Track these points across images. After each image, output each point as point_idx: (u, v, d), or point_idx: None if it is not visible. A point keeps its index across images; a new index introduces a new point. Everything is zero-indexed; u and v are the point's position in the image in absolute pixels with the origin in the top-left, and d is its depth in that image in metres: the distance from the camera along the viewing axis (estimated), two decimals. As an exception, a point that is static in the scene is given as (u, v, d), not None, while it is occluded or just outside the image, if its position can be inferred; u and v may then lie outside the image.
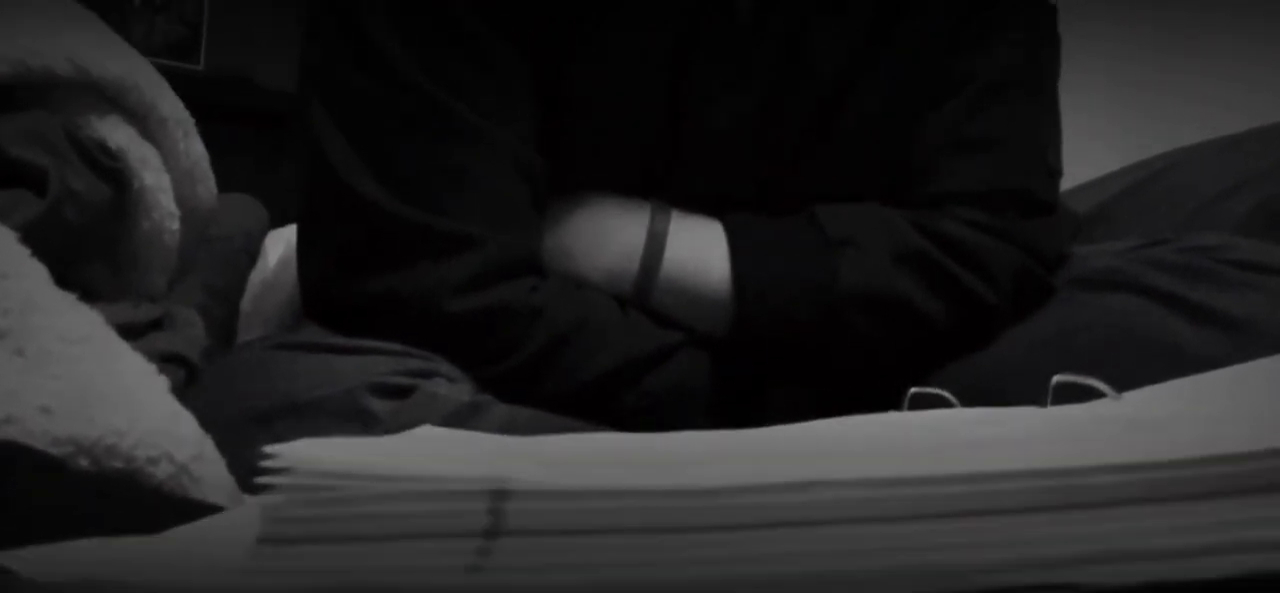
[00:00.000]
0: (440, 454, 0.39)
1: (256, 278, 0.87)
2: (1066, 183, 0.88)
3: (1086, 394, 0.49)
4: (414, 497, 0.34)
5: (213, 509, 0.46)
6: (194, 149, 0.80)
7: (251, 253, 0.86)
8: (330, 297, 0.73)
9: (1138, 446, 0.35)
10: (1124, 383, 0.52)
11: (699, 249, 0.77)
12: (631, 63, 0.77)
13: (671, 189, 0.79)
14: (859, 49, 0.80)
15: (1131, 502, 0.33)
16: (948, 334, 0.78)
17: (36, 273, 0.56)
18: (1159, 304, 0.73)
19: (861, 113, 0.80)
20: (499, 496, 0.33)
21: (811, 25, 0.78)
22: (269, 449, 0.36)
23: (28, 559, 0.34)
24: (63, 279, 0.58)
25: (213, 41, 2.70)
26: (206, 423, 0.52)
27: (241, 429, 0.58)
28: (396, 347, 0.68)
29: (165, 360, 0.61)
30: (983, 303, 0.78)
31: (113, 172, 0.73)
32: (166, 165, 0.78)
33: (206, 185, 0.81)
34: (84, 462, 0.45)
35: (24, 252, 0.57)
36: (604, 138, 0.79)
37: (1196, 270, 0.73)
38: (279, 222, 0.95)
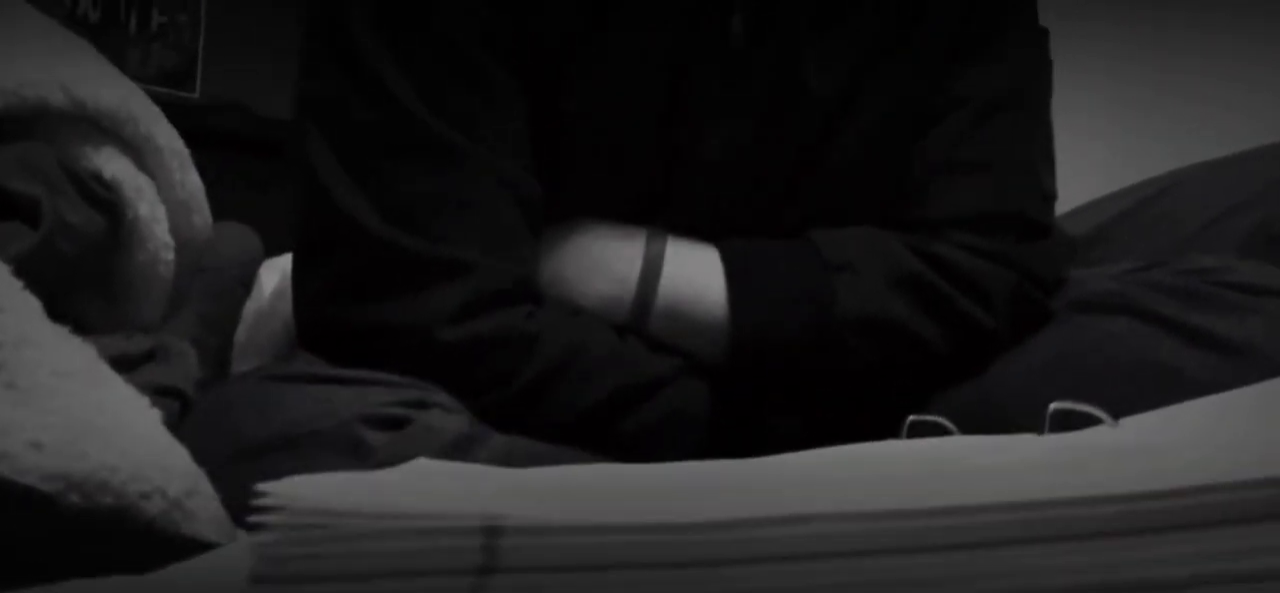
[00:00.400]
0: (434, 489, 0.39)
1: (251, 308, 0.86)
2: (1063, 205, 0.88)
3: (1084, 421, 0.49)
4: (407, 534, 0.34)
5: (206, 545, 0.45)
6: (189, 179, 0.80)
7: (246, 283, 0.86)
8: (325, 326, 0.73)
9: (1135, 475, 0.35)
10: (1122, 407, 0.52)
11: (695, 275, 0.77)
12: (626, 88, 0.77)
13: (667, 215, 0.79)
14: (853, 74, 0.80)
15: (1129, 532, 0.33)
16: (945, 359, 0.77)
17: (29, 306, 0.56)
18: (1158, 328, 0.72)
19: (856, 137, 0.80)
20: (493, 532, 0.33)
21: (805, 51, 0.78)
22: (261, 487, 0.36)
23: (16, 601, 0.34)
24: (56, 311, 0.58)
25: (209, 69, 2.70)
26: (200, 457, 0.52)
27: (235, 463, 0.58)
28: (392, 377, 0.68)
29: (159, 393, 0.61)
30: (980, 327, 0.78)
31: (107, 203, 0.73)
32: (161, 196, 0.78)
33: (201, 215, 0.81)
34: (75, 498, 0.44)
35: (17, 285, 0.57)
36: (599, 164, 0.79)
37: (1195, 294, 0.73)
38: (274, 250, 0.94)
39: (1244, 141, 0.98)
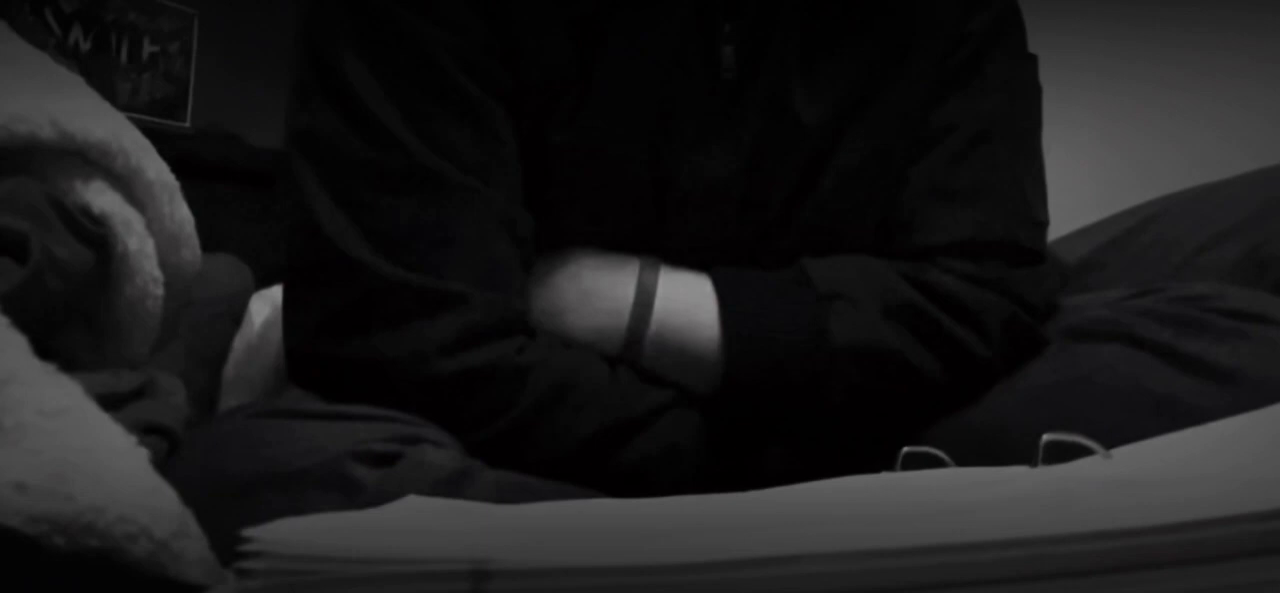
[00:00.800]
0: (422, 530, 0.39)
1: (240, 342, 0.86)
2: (1053, 231, 0.88)
3: (1077, 451, 0.48)
4: (395, 579, 0.33)
5: (193, 587, 0.45)
6: (179, 212, 0.80)
7: (235, 316, 0.86)
8: (315, 360, 0.73)
9: (1127, 510, 0.35)
10: (1116, 435, 0.52)
11: (688, 305, 0.77)
12: (617, 120, 0.77)
13: (659, 244, 0.79)
14: (843, 104, 0.80)
15: (1122, 569, 0.33)
16: (939, 386, 0.77)
17: (16, 344, 0.55)
18: (1151, 355, 0.72)
19: (847, 167, 0.80)
20: (480, 576, 0.33)
21: (796, 82, 0.79)
22: (248, 532, 0.36)
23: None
24: (43, 347, 0.57)
25: (200, 99, 2.70)
26: (188, 496, 0.51)
27: (223, 502, 0.58)
28: (382, 412, 0.68)
29: (146, 432, 0.60)
30: (973, 354, 0.77)
31: (96, 237, 0.72)
32: (151, 229, 0.77)
33: (191, 249, 0.80)
34: (60, 540, 0.44)
35: (4, 322, 0.57)
36: (591, 195, 0.78)
37: (1187, 320, 0.73)
38: (264, 280, 0.94)
39: (1233, 167, 0.99)
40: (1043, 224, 0.84)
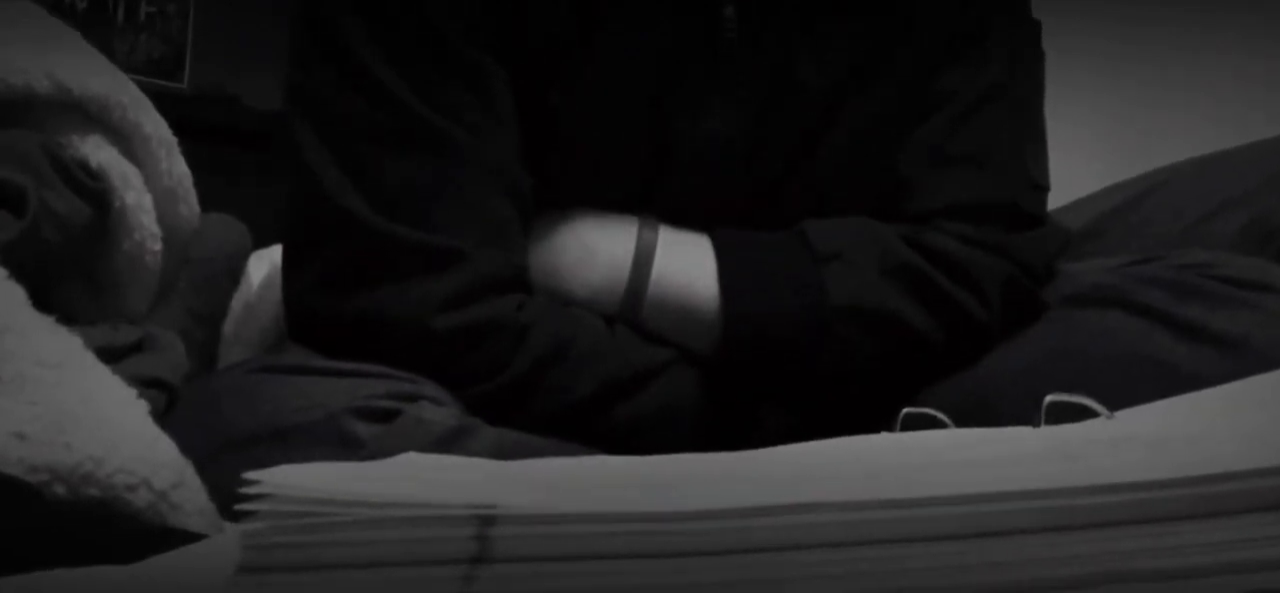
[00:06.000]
0: (425, 479, 0.39)
1: (239, 299, 0.86)
2: (1055, 199, 0.88)
3: (1079, 414, 0.48)
4: (398, 523, 0.33)
5: (192, 537, 0.45)
6: (176, 168, 0.80)
7: (234, 274, 0.86)
8: (315, 317, 0.73)
9: (1130, 465, 0.34)
10: (1116, 401, 0.52)
11: (687, 264, 0.77)
12: (618, 79, 0.77)
13: (659, 206, 0.79)
14: (846, 66, 0.79)
15: (1125, 523, 0.33)
16: (937, 348, 0.77)
17: (14, 295, 0.55)
18: (1151, 322, 0.72)
19: (849, 130, 0.80)
20: (485, 522, 0.33)
21: (798, 43, 0.78)
22: (249, 475, 0.35)
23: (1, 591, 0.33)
24: (41, 301, 0.57)
25: (197, 60, 2.69)
26: (187, 449, 0.51)
27: (222, 455, 0.58)
28: (382, 369, 0.68)
29: (145, 385, 0.60)
30: (972, 316, 0.77)
31: (94, 191, 0.72)
32: (149, 185, 0.77)
33: (189, 205, 0.80)
34: (60, 489, 0.44)
35: (1, 273, 0.57)
36: (591, 154, 0.78)
37: (1188, 288, 0.73)
38: (263, 242, 0.94)
39: (1236, 137, 0.98)
40: (1044, 188, 0.83)
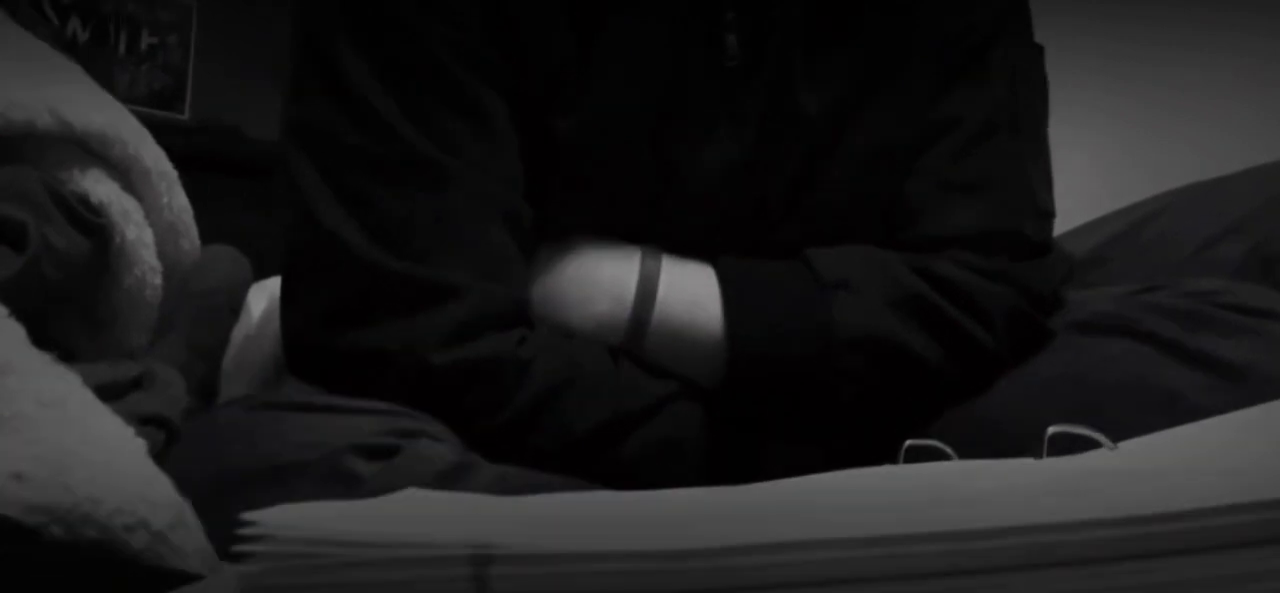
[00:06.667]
0: (423, 517, 0.38)
1: (239, 333, 0.85)
2: (1063, 225, 0.88)
3: (1083, 444, 0.48)
4: (395, 563, 0.33)
5: (190, 578, 0.45)
6: (176, 202, 0.80)
7: (234, 307, 0.85)
8: (314, 352, 0.72)
9: (1133, 498, 0.34)
10: (1122, 429, 0.51)
11: (691, 295, 0.77)
12: (619, 108, 0.76)
13: (661, 232, 0.79)
14: (848, 94, 0.79)
15: (1128, 557, 0.32)
16: (944, 378, 0.77)
17: (14, 333, 0.55)
18: (1157, 349, 0.72)
19: (851, 157, 0.80)
20: (483, 561, 0.33)
21: (800, 71, 0.78)
22: (247, 516, 0.35)
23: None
24: (41, 337, 0.57)
25: (198, 91, 2.70)
26: (185, 487, 0.51)
27: (221, 494, 0.57)
28: (381, 405, 0.67)
29: (144, 422, 0.60)
30: (978, 344, 0.77)
31: (94, 226, 0.72)
32: (149, 219, 0.77)
33: (189, 239, 0.80)
34: (58, 530, 0.44)
35: (2, 311, 0.56)
36: (592, 183, 0.78)
37: (1195, 315, 0.72)
38: (263, 273, 0.94)
39: (1237, 162, 0.98)
40: (1049, 215, 0.83)
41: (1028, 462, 0.47)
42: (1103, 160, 2.31)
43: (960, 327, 0.76)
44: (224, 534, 0.44)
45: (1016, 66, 0.83)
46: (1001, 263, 0.78)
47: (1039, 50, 0.86)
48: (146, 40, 2.63)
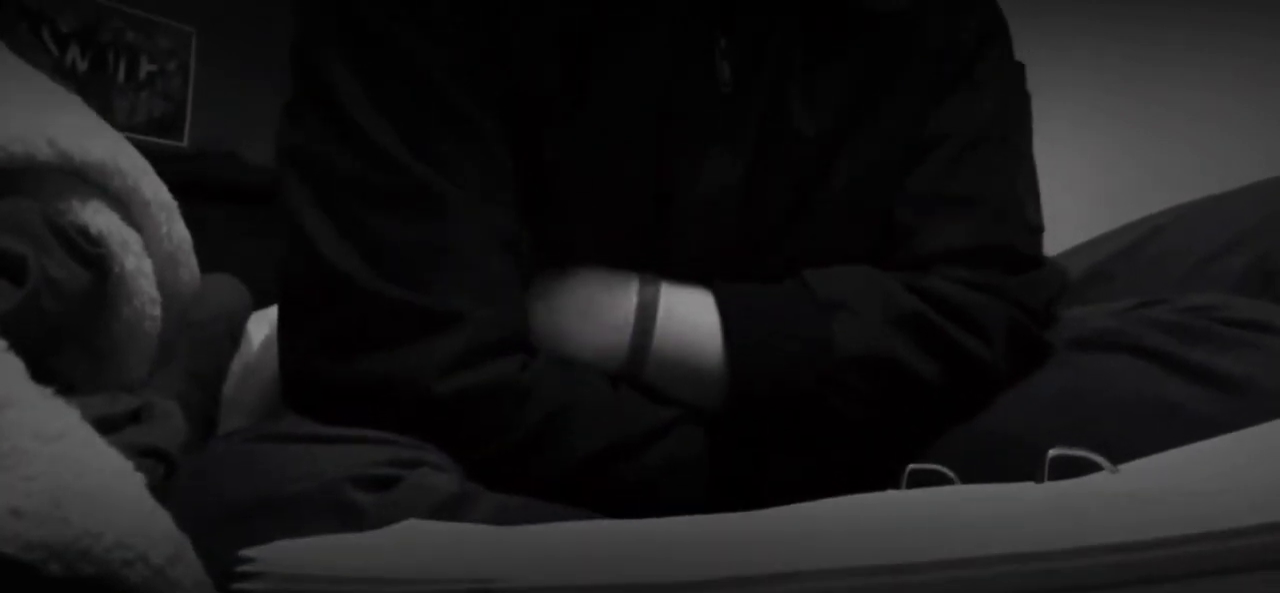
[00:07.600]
0: (422, 551, 0.38)
1: (238, 362, 0.85)
2: (1051, 243, 0.88)
3: (1084, 466, 0.48)
4: (394, 601, 0.33)
5: (190, 612, 0.44)
6: (176, 233, 0.80)
7: (234, 336, 0.85)
8: (312, 382, 0.72)
9: (1134, 524, 0.34)
10: (1123, 445, 0.51)
11: (690, 320, 0.77)
12: (614, 134, 0.76)
13: (658, 258, 0.79)
14: (840, 116, 0.80)
15: (1130, 583, 0.32)
16: (945, 394, 0.77)
17: (13, 368, 0.55)
18: (1157, 365, 0.72)
19: (845, 176, 0.80)
20: (481, 597, 0.32)
21: (793, 94, 0.78)
22: (245, 552, 0.35)
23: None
24: (40, 370, 0.57)
25: (197, 118, 2.70)
26: (184, 521, 0.51)
27: (220, 527, 0.57)
28: (381, 435, 0.67)
29: (143, 455, 0.60)
30: (978, 360, 0.77)
31: (93, 257, 0.72)
32: (148, 250, 0.77)
33: (189, 269, 0.80)
34: (55, 567, 0.43)
35: (1, 345, 0.56)
36: (588, 209, 0.78)
37: (1195, 330, 0.72)
38: (262, 299, 0.94)
39: (1237, 163, 0.99)
40: (1038, 229, 0.84)
41: (1028, 486, 0.47)
42: (1103, 161, 2.31)
43: (959, 343, 0.76)
44: (223, 569, 0.44)
45: (1000, 82, 0.84)
46: (995, 278, 0.78)
47: (1019, 67, 0.87)
48: (146, 68, 2.63)
